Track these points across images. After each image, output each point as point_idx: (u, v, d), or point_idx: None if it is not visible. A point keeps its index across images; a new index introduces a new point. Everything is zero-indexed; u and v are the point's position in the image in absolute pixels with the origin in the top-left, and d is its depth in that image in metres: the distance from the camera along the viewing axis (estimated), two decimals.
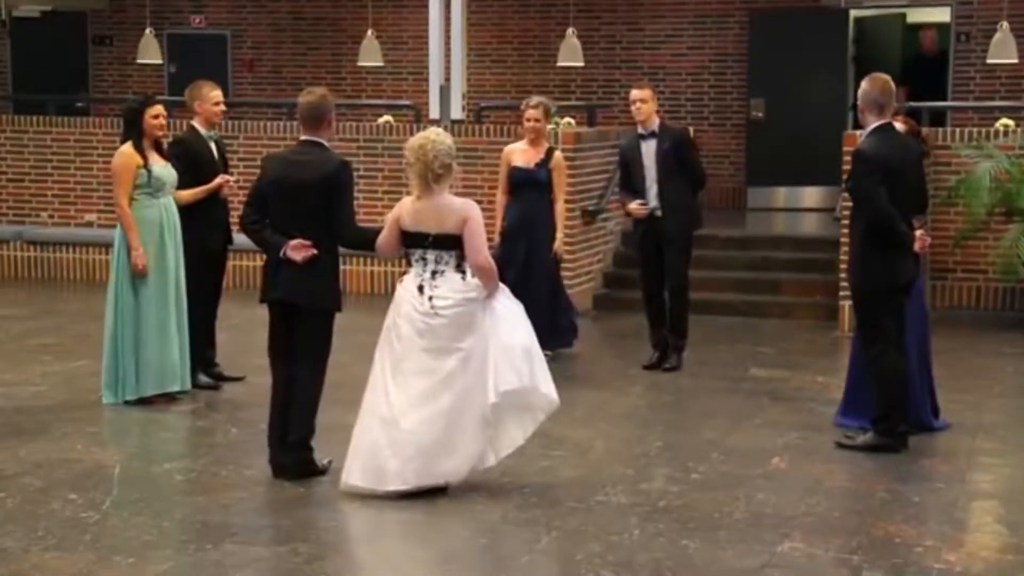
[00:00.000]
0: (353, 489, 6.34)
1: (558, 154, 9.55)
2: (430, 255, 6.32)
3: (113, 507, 6.18)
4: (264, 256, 6.70)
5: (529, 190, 9.34)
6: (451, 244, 6.29)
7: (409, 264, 6.43)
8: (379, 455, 6.28)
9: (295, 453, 6.59)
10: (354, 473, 6.35)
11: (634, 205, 9.20)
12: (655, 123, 9.23)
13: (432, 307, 6.28)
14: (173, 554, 5.59)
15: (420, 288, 6.32)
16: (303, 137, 6.66)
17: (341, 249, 6.65)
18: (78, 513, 6.07)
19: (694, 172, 9.34)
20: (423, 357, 6.30)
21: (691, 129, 16.01)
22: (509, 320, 6.37)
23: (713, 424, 7.86)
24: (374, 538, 5.97)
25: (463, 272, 6.33)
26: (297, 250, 6.43)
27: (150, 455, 7.30)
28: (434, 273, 6.31)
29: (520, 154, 9.43)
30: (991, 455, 7.34)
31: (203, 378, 8.52)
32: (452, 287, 6.30)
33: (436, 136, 6.36)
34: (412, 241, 6.37)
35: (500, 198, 9.54)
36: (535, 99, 9.55)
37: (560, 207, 9.47)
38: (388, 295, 7.00)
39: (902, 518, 6.15)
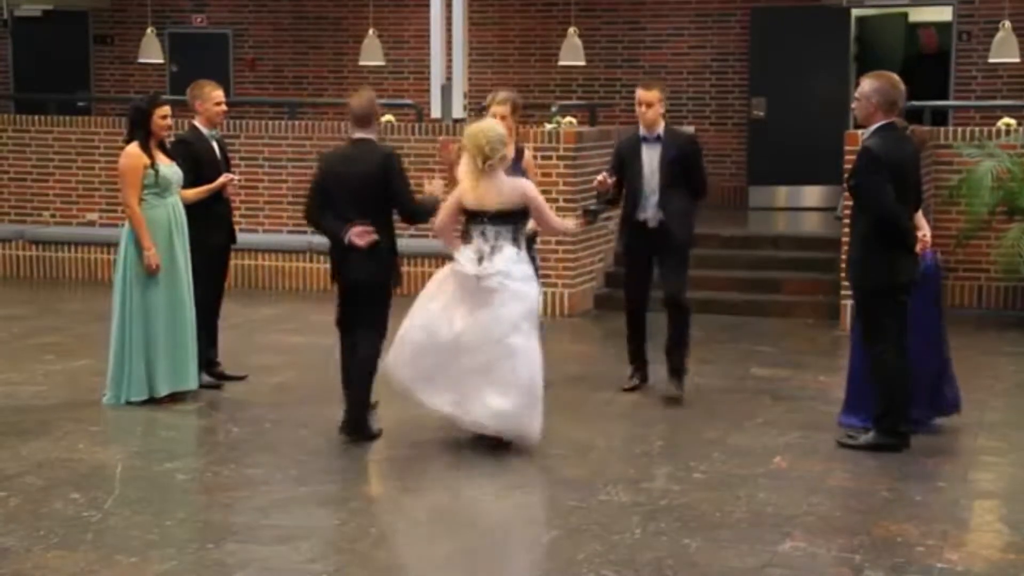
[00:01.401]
0: (399, 384, 7.16)
1: (528, 154, 8.59)
2: (489, 230, 7.09)
3: (115, 506, 6.18)
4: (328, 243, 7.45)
5: None
6: (508, 219, 7.12)
7: (468, 240, 7.16)
8: (428, 368, 7.08)
9: (350, 411, 7.29)
10: (402, 369, 7.12)
11: (600, 177, 8.40)
12: (660, 127, 8.46)
13: (490, 271, 7.01)
14: (175, 553, 5.59)
15: (479, 259, 7.07)
16: (355, 135, 7.35)
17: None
18: (80, 512, 6.08)
19: (701, 183, 8.56)
20: (475, 310, 7.02)
21: (692, 127, 16.07)
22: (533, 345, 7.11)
23: (714, 423, 7.86)
24: (376, 537, 5.97)
25: (518, 246, 7.14)
26: (360, 236, 7.14)
27: (152, 454, 7.30)
28: (493, 248, 7.07)
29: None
30: (993, 454, 7.34)
31: (205, 377, 8.51)
32: (508, 258, 7.06)
33: (487, 125, 7.23)
34: (473, 217, 7.16)
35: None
36: (501, 94, 8.27)
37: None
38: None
39: (904, 517, 6.15)
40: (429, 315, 7.12)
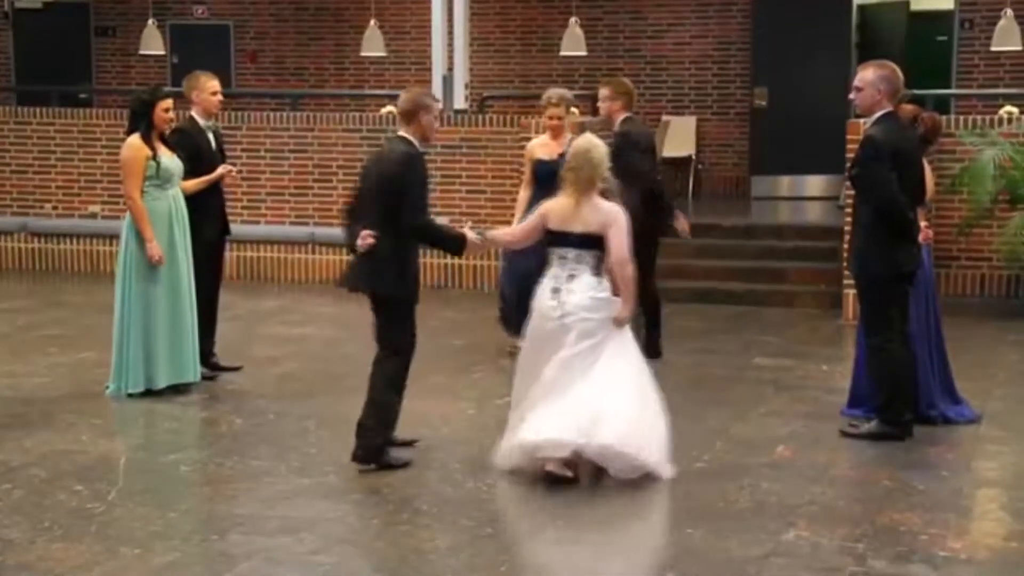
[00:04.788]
0: (511, 466, 6.50)
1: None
2: (570, 254, 6.51)
3: (119, 498, 6.19)
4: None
5: (553, 181, 8.57)
6: (591, 244, 6.49)
7: (549, 264, 6.60)
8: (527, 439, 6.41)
9: (361, 439, 6.63)
10: (513, 455, 6.49)
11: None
12: (616, 123, 9.17)
13: (564, 308, 6.43)
14: (179, 544, 5.60)
15: (555, 291, 6.49)
16: (399, 132, 6.80)
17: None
18: (84, 504, 6.09)
19: (631, 174, 8.54)
20: (559, 353, 6.43)
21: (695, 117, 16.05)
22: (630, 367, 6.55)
23: (717, 413, 7.86)
24: (379, 529, 5.98)
25: (599, 276, 6.52)
26: (363, 239, 6.54)
27: (155, 446, 7.31)
28: (571, 276, 6.49)
29: (541, 148, 9.29)
30: (995, 443, 7.34)
31: (201, 368, 8.52)
32: (586, 287, 6.47)
33: (598, 142, 6.65)
34: (556, 240, 6.58)
35: (523, 193, 9.30)
36: (555, 94, 9.31)
37: None
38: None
39: (907, 506, 6.15)
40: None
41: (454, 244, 6.82)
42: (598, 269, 6.53)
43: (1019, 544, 5.72)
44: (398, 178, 6.53)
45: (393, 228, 6.54)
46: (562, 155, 9.11)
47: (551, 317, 6.48)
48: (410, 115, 6.71)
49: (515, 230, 7.17)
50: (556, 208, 6.59)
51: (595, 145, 6.60)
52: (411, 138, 6.70)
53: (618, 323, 6.50)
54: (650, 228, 8.83)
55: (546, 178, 8.85)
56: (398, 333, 6.65)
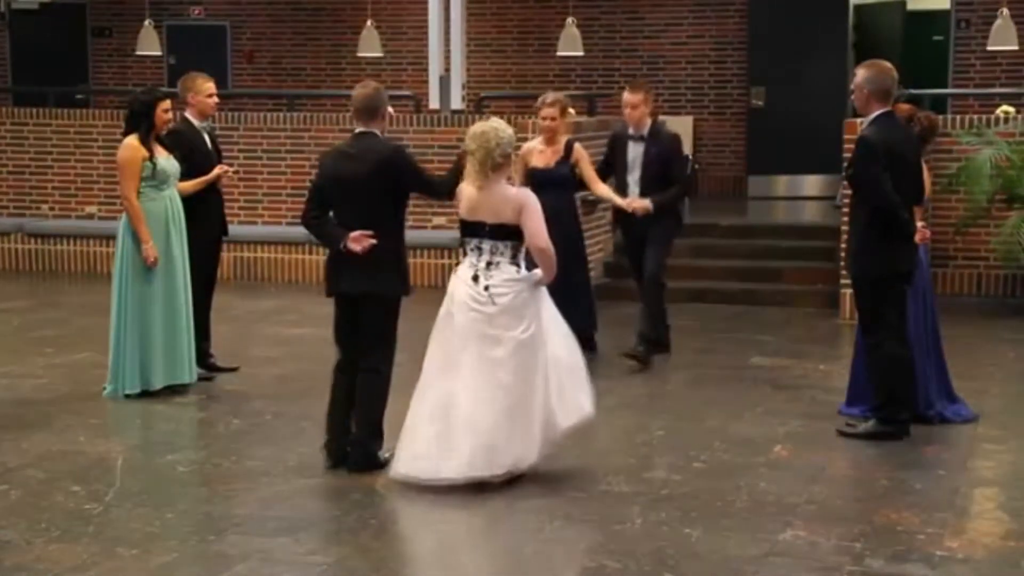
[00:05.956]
0: (404, 479, 6.32)
1: (578, 146, 9.18)
2: (486, 245, 6.39)
3: (116, 499, 6.19)
4: (324, 251, 6.83)
5: (551, 190, 8.61)
6: (507, 234, 6.37)
7: (464, 254, 6.52)
8: (433, 446, 6.27)
9: (360, 446, 6.61)
10: (404, 463, 6.33)
11: (637, 203, 8.98)
12: (647, 126, 9.09)
13: (489, 295, 6.33)
14: (176, 545, 5.60)
15: (475, 278, 6.38)
16: (358, 129, 6.68)
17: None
18: (81, 505, 6.08)
19: (679, 179, 9.17)
20: (479, 345, 6.32)
21: (691, 118, 16.06)
22: (556, 325, 6.49)
23: (715, 412, 7.86)
24: (376, 528, 5.98)
25: (517, 264, 6.42)
26: (357, 241, 6.46)
27: (153, 447, 7.31)
28: (489, 264, 6.39)
29: (538, 155, 9.12)
30: (993, 442, 7.34)
31: (198, 369, 8.52)
32: (507, 277, 6.37)
33: (499, 125, 6.45)
34: (469, 230, 6.46)
35: None
36: (551, 96, 9.26)
37: (602, 189, 9.16)
38: (439, 287, 7.10)
39: (904, 505, 6.15)
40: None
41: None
42: (516, 259, 6.43)
43: (1016, 543, 5.73)
44: (401, 169, 6.57)
45: (390, 225, 6.56)
46: (559, 163, 9.16)
47: (474, 301, 6.31)
48: (374, 111, 6.64)
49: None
50: (466, 197, 6.44)
51: (493, 128, 6.38)
52: (378, 132, 6.68)
53: (539, 282, 6.42)
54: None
55: (541, 187, 8.48)
56: (392, 332, 6.67)
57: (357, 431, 6.63)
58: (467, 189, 6.45)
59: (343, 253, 6.52)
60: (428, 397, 6.37)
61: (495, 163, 6.34)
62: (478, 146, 6.34)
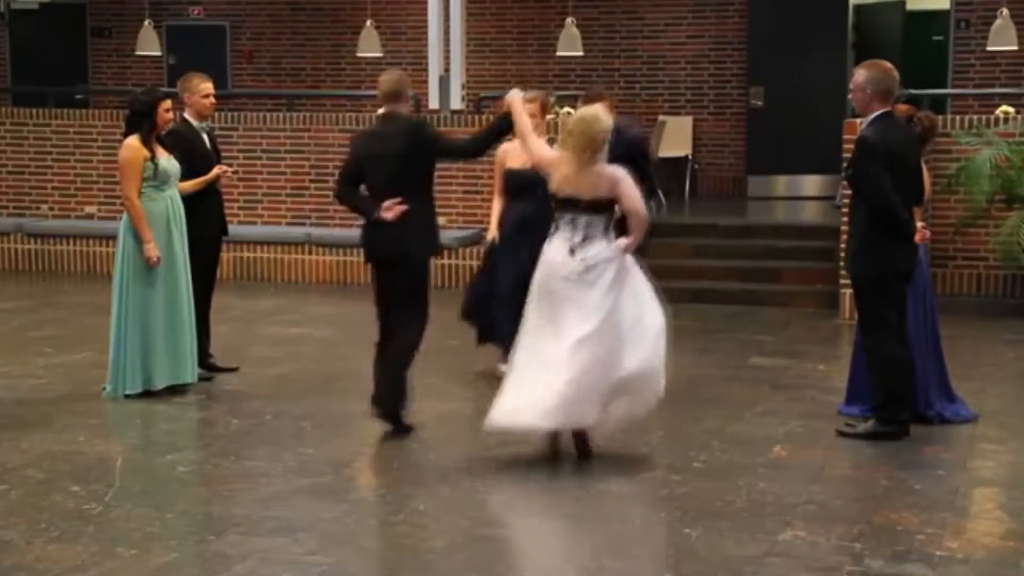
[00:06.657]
0: (500, 428, 6.69)
1: (558, 147, 8.59)
2: (581, 219, 6.70)
3: (115, 499, 6.19)
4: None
5: (528, 193, 8.27)
6: (602, 208, 6.73)
7: (556, 228, 6.80)
8: (525, 400, 6.61)
9: (383, 400, 7.13)
10: (502, 414, 6.66)
11: None
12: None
13: (585, 266, 6.65)
14: (176, 545, 5.60)
15: (571, 251, 6.69)
16: (384, 111, 7.34)
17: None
18: (80, 505, 6.08)
19: (646, 180, 8.36)
20: (573, 311, 6.63)
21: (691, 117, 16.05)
22: (646, 295, 6.79)
23: (714, 413, 7.87)
24: (375, 529, 5.98)
25: (607, 237, 6.75)
26: (389, 209, 6.99)
27: (152, 447, 7.31)
28: (585, 238, 6.70)
29: (516, 156, 8.27)
30: (992, 442, 7.35)
31: (198, 369, 8.51)
32: (600, 248, 6.70)
33: (601, 113, 6.83)
34: (564, 205, 6.77)
35: (496, 203, 8.65)
36: (531, 93, 8.44)
37: (535, 145, 8.91)
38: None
39: (904, 505, 6.16)
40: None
41: (505, 123, 7.28)
42: (608, 232, 6.75)
43: (1016, 543, 5.73)
44: (429, 140, 7.20)
45: (420, 192, 7.12)
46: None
47: (570, 271, 6.64)
48: (399, 94, 7.26)
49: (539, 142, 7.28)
50: (561, 174, 6.76)
51: (596, 115, 6.76)
52: (403, 112, 7.28)
53: (625, 249, 6.74)
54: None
55: (519, 190, 8.47)
56: (424, 292, 7.17)
57: (383, 386, 7.11)
58: (562, 167, 6.78)
59: (376, 222, 7.06)
60: (524, 358, 6.73)
61: (596, 147, 6.71)
62: (581, 131, 6.71)
